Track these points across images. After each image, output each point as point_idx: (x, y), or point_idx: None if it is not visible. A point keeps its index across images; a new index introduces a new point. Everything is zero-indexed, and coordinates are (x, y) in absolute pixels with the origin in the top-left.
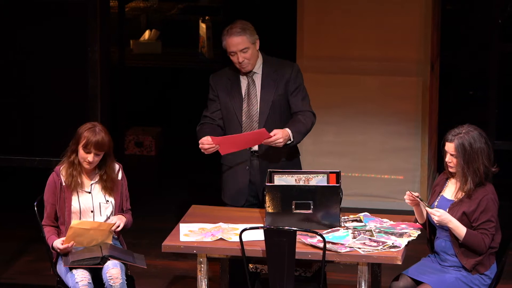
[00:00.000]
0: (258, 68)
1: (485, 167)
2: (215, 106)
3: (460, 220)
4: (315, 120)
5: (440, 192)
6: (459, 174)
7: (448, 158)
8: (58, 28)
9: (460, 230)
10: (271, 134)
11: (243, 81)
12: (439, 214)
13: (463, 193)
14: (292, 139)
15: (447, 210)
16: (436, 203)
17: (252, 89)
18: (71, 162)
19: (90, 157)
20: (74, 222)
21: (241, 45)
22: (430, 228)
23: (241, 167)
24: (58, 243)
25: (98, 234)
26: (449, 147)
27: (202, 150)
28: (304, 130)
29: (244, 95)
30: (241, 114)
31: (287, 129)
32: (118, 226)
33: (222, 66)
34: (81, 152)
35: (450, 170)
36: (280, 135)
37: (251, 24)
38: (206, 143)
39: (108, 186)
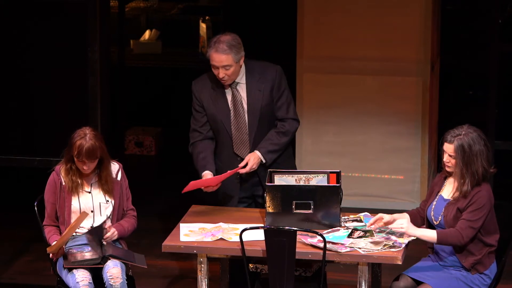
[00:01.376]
0: (241, 78)
1: (484, 169)
2: (202, 118)
3: (455, 217)
4: (298, 126)
5: (439, 192)
6: (457, 175)
7: (446, 158)
8: (58, 28)
9: (430, 235)
10: (243, 163)
11: (228, 92)
12: (404, 226)
13: (460, 193)
14: (264, 160)
15: (443, 209)
16: (434, 203)
17: (238, 100)
18: (68, 169)
19: (85, 166)
20: (49, 248)
21: (225, 63)
22: (428, 227)
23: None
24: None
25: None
26: (448, 148)
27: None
28: (278, 147)
29: (231, 106)
30: (230, 126)
31: (257, 152)
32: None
33: None
34: (76, 160)
35: (448, 169)
36: (252, 162)
37: (238, 38)
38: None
39: (105, 189)
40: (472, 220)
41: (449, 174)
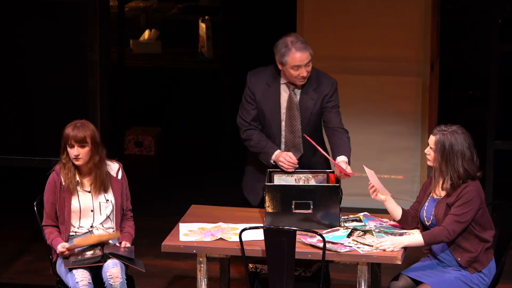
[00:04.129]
0: None
1: (465, 171)
2: (252, 110)
3: (445, 214)
4: None
5: (430, 193)
6: (437, 171)
7: (427, 150)
8: (58, 28)
9: (417, 240)
10: (344, 166)
11: (284, 93)
12: (388, 243)
13: (443, 190)
14: None
15: (433, 208)
16: (426, 204)
17: (294, 103)
18: (64, 163)
19: (74, 151)
20: (77, 239)
21: (307, 59)
22: (424, 230)
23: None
24: (60, 247)
25: (98, 242)
26: (431, 139)
27: (281, 165)
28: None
29: (284, 108)
30: (280, 127)
31: (345, 158)
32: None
33: (222, 66)
34: (68, 149)
35: (428, 163)
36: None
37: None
38: (291, 161)
39: (104, 186)
40: (458, 215)
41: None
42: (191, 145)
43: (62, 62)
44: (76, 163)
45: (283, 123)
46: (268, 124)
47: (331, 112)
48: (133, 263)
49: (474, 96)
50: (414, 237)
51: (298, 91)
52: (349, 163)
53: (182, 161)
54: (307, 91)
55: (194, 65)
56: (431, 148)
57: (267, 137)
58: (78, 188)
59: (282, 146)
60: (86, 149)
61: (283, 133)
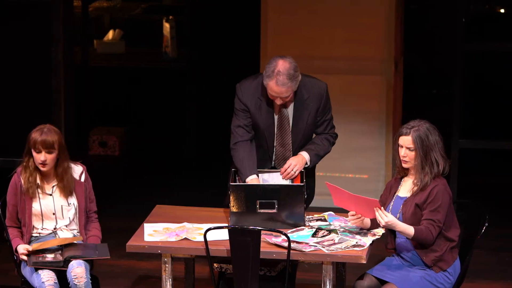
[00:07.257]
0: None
1: (444, 159)
2: (247, 118)
3: (414, 213)
4: (335, 141)
5: (395, 193)
6: (417, 168)
7: (403, 153)
8: (22, 27)
9: (408, 231)
10: (286, 166)
11: (276, 106)
12: (386, 220)
13: (419, 186)
14: (309, 163)
15: (401, 207)
16: (392, 203)
17: (285, 117)
18: (26, 167)
19: (41, 156)
20: (35, 245)
21: (284, 94)
22: (389, 229)
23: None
24: (20, 249)
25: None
26: (406, 140)
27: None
28: (323, 153)
29: (276, 122)
30: (273, 140)
31: (304, 154)
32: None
33: (186, 66)
34: (34, 154)
35: (404, 165)
36: (298, 165)
37: (295, 62)
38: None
39: (66, 191)
40: (438, 220)
41: (405, 174)
42: (156, 145)
43: (26, 62)
44: (42, 169)
45: (275, 137)
46: (262, 136)
47: (323, 122)
48: (94, 255)
49: (438, 95)
50: (407, 228)
51: (291, 105)
52: (316, 161)
53: (146, 161)
54: (300, 102)
55: (158, 65)
56: (408, 148)
57: (258, 148)
58: (39, 190)
59: (273, 158)
60: (53, 155)
61: (275, 146)
